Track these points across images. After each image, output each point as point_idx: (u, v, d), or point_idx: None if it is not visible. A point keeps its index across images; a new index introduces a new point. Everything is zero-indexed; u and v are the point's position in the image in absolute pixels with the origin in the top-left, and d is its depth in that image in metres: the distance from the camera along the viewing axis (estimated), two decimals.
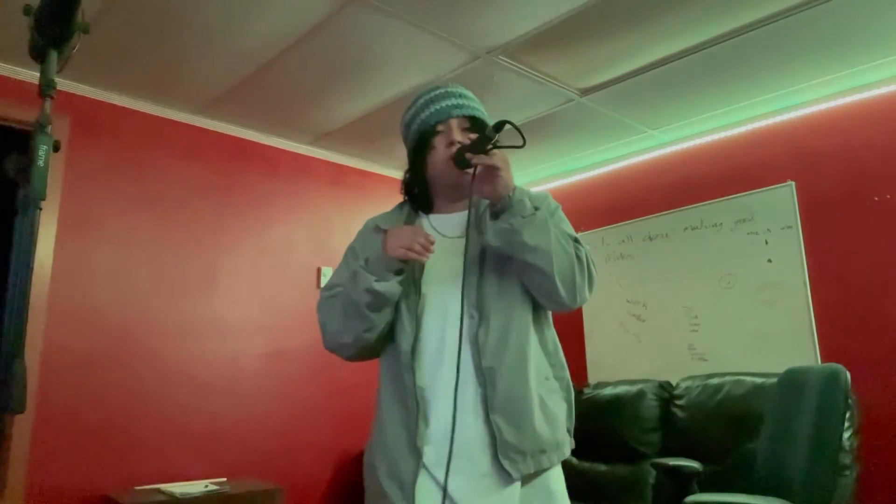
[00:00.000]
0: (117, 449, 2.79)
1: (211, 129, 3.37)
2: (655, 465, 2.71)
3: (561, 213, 1.46)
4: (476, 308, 1.30)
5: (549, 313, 1.42)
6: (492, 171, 1.27)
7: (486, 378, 1.25)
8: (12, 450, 2.51)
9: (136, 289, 2.98)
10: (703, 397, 3.00)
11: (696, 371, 3.24)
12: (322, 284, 3.61)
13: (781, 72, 2.87)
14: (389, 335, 1.35)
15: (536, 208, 1.30)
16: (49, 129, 0.91)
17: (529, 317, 1.34)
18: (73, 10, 0.92)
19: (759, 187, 3.24)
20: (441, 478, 1.20)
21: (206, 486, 2.77)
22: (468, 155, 1.27)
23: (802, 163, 3.11)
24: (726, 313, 3.28)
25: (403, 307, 1.32)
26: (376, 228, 1.43)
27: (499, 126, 1.26)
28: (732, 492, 2.15)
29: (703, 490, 2.37)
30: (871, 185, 2.88)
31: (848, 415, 2.29)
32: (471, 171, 1.29)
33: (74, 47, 0.96)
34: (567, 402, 1.39)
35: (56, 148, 0.91)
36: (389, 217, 1.48)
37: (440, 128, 1.39)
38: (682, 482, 2.45)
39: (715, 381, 3.02)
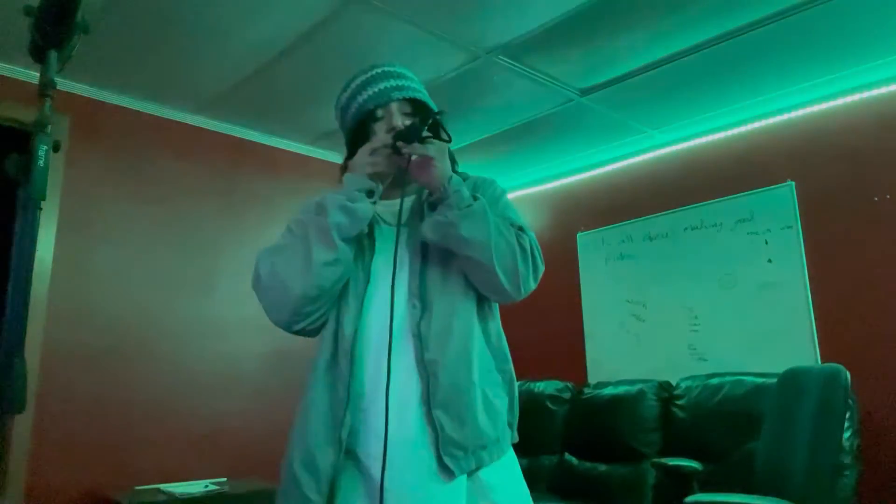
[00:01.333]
0: (117, 449, 2.79)
1: (211, 129, 3.37)
2: (655, 465, 2.72)
3: (506, 200, 1.38)
4: (419, 298, 1.24)
5: (495, 304, 1.36)
6: (426, 162, 1.21)
7: (428, 371, 1.19)
8: (12, 450, 2.51)
9: (136, 288, 2.98)
10: (703, 397, 3.00)
11: (696, 371, 3.23)
12: None
13: (781, 72, 2.87)
14: (329, 311, 1.27)
15: (475, 198, 1.23)
16: (49, 129, 0.91)
17: (473, 308, 1.28)
18: (73, 10, 0.92)
19: (759, 187, 3.24)
20: (377, 474, 1.12)
21: (206, 486, 2.77)
22: (399, 144, 1.21)
23: (802, 163, 3.11)
24: (726, 313, 3.27)
25: (350, 289, 1.26)
26: (318, 203, 1.34)
27: (428, 119, 1.23)
28: (732, 492, 2.15)
29: (703, 490, 2.37)
30: (871, 185, 2.88)
31: (848, 415, 2.29)
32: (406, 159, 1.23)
33: (74, 47, 0.96)
34: (509, 395, 1.30)
35: (56, 148, 0.91)
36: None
37: (380, 112, 1.32)
38: (682, 482, 2.45)
39: (715, 381, 3.02)
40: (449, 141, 1.25)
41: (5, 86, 2.72)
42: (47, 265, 2.73)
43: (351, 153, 1.38)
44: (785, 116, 3.21)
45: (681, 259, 3.51)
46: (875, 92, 2.93)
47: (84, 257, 2.85)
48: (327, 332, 1.26)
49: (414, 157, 1.21)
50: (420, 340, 1.21)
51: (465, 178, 1.39)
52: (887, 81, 2.89)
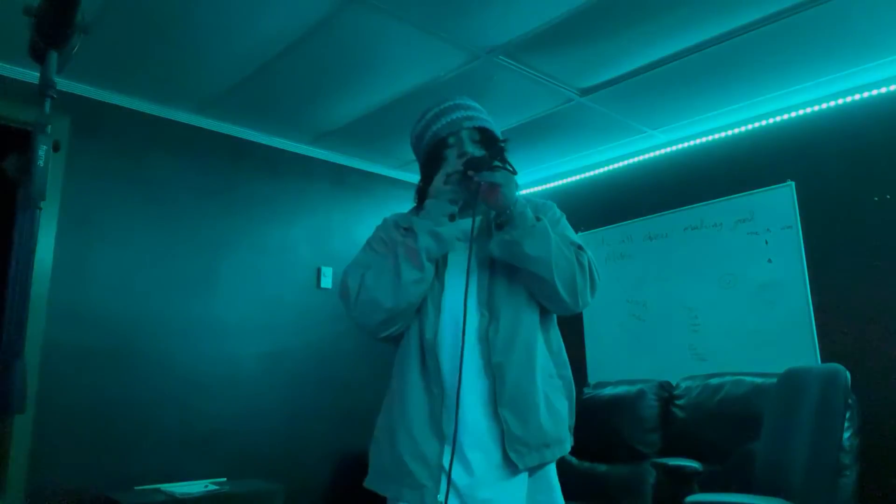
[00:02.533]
0: (117, 449, 2.79)
1: (211, 129, 3.37)
2: (655, 465, 2.72)
3: (565, 222, 1.54)
4: (487, 307, 1.37)
5: (554, 315, 1.49)
6: (495, 188, 1.34)
7: (495, 373, 1.32)
8: (12, 450, 2.51)
9: (136, 288, 2.98)
10: (703, 397, 3.00)
11: (696, 371, 3.23)
12: (322, 284, 3.61)
13: (781, 72, 2.87)
14: (412, 320, 1.40)
15: (538, 219, 1.37)
16: (49, 129, 0.91)
17: (536, 317, 1.41)
18: (73, 10, 0.92)
19: (759, 187, 3.24)
20: (446, 465, 1.27)
21: (206, 486, 2.77)
22: (470, 173, 1.35)
23: (802, 163, 3.11)
24: (726, 313, 3.27)
25: (428, 297, 1.39)
26: (396, 224, 1.50)
27: (496, 149, 1.40)
28: (732, 492, 2.15)
29: (703, 490, 2.37)
30: (871, 185, 2.88)
31: (848, 415, 2.29)
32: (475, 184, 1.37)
33: (74, 47, 0.96)
34: (569, 399, 1.45)
35: (56, 148, 0.91)
36: (408, 217, 1.52)
37: (451, 140, 1.45)
38: (682, 482, 2.45)
39: (715, 381, 3.02)
40: (514, 173, 1.38)
41: (5, 86, 2.72)
42: (47, 265, 2.73)
43: (425, 177, 1.51)
44: (785, 116, 3.21)
45: (681, 259, 3.51)
46: (875, 92, 2.92)
47: (84, 257, 2.85)
48: (413, 337, 1.40)
49: (483, 186, 1.34)
50: (488, 345, 1.34)
51: (527, 201, 1.50)
52: (887, 81, 2.89)
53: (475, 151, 1.43)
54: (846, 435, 2.44)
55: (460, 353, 1.30)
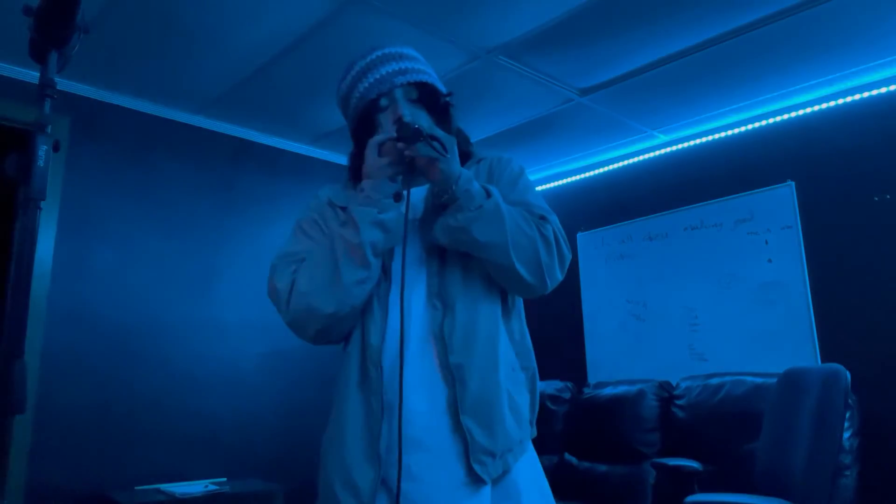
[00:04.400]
0: (117, 449, 2.79)
1: (211, 128, 3.37)
2: (655, 465, 2.72)
3: (525, 181, 1.29)
4: (439, 298, 1.17)
5: (519, 300, 1.29)
6: (431, 162, 1.11)
7: (454, 375, 1.12)
8: (12, 450, 2.51)
9: (136, 289, 2.98)
10: (703, 397, 3.00)
11: (696, 371, 3.24)
12: None
13: (781, 72, 2.87)
14: (356, 322, 1.20)
15: (488, 192, 1.15)
16: (49, 129, 0.91)
17: (498, 305, 1.22)
18: (73, 10, 0.92)
19: (759, 187, 3.24)
20: (393, 488, 1.09)
21: (206, 486, 2.77)
22: (400, 146, 1.12)
23: (802, 163, 3.11)
24: (726, 313, 3.27)
25: (373, 294, 1.18)
26: (331, 203, 1.28)
27: (418, 133, 1.10)
28: (732, 492, 2.15)
29: (703, 490, 2.37)
30: (871, 185, 2.88)
31: (848, 415, 2.30)
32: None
33: (74, 47, 0.96)
34: (531, 393, 1.25)
35: (56, 148, 0.91)
36: (344, 194, 1.30)
37: (383, 101, 1.20)
38: (682, 482, 2.45)
39: (715, 381, 3.02)
40: (444, 145, 1.12)
41: (5, 86, 2.72)
42: (47, 265, 2.73)
43: (357, 148, 1.27)
44: (785, 116, 3.21)
45: (681, 259, 3.51)
46: (875, 92, 2.92)
47: (84, 257, 2.85)
48: (353, 344, 1.20)
49: (419, 160, 1.12)
50: (443, 343, 1.14)
51: (479, 159, 1.32)
52: (887, 81, 2.89)
53: (413, 114, 1.18)
54: (846, 435, 2.44)
55: (399, 356, 1.10)
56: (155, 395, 2.93)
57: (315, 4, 2.33)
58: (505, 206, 1.14)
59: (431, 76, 1.25)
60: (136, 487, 2.76)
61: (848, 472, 2.45)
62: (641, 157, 3.79)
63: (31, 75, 2.71)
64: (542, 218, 1.18)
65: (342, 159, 3.88)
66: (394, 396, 1.12)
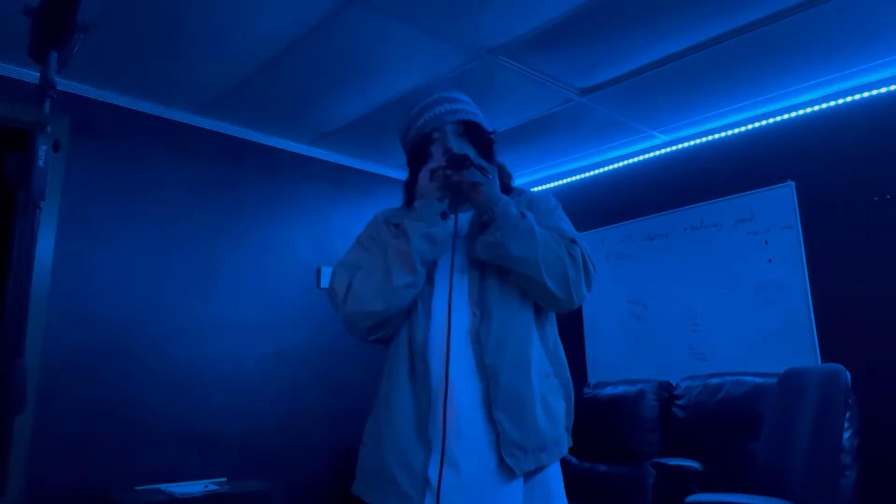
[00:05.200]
0: (117, 449, 2.79)
1: (211, 129, 3.37)
2: (655, 465, 2.72)
3: (560, 213, 1.48)
4: (478, 306, 1.33)
5: (551, 313, 1.44)
6: (475, 186, 1.31)
7: (488, 374, 1.27)
8: (12, 450, 2.51)
9: (135, 289, 2.98)
10: (703, 397, 3.00)
11: (696, 371, 3.24)
12: (322, 284, 3.61)
13: (781, 72, 2.87)
14: (403, 322, 1.37)
15: (524, 214, 1.32)
16: (49, 129, 0.91)
17: (531, 315, 1.37)
18: (73, 10, 0.92)
19: (759, 187, 3.24)
20: (435, 475, 1.23)
21: (206, 486, 2.77)
22: (448, 172, 1.31)
23: (802, 163, 3.11)
24: (726, 313, 3.27)
25: (417, 298, 1.35)
26: (387, 221, 1.47)
27: (483, 146, 1.38)
28: (732, 492, 2.15)
29: (703, 490, 2.37)
30: (871, 185, 2.88)
31: (848, 415, 2.30)
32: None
33: (74, 47, 0.96)
34: (566, 400, 1.41)
35: (56, 148, 0.91)
36: (398, 214, 1.49)
37: (436, 135, 1.40)
38: (682, 482, 2.45)
39: (715, 381, 3.02)
40: (489, 170, 1.32)
41: (5, 86, 2.72)
42: (47, 265, 2.73)
43: (411, 174, 1.47)
44: (785, 116, 3.21)
45: (681, 259, 3.51)
46: (875, 92, 2.92)
47: (84, 257, 2.85)
48: (402, 340, 1.36)
49: (464, 183, 1.30)
50: (480, 345, 1.29)
51: (520, 193, 1.51)
52: (887, 81, 2.89)
53: (460, 146, 1.37)
54: (846, 435, 2.44)
55: (446, 355, 1.26)
56: (155, 395, 2.94)
57: (315, 4, 2.33)
58: (538, 228, 1.32)
59: (478, 116, 1.45)
60: (136, 487, 2.76)
61: (848, 472, 2.45)
62: (641, 157, 3.79)
63: (31, 75, 2.71)
64: (573, 241, 1.35)
65: (342, 159, 3.88)
66: (439, 389, 1.27)
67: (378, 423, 1.35)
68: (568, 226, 1.44)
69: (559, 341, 1.44)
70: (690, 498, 2.00)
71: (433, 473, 1.24)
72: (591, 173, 4.04)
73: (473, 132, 1.42)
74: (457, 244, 1.37)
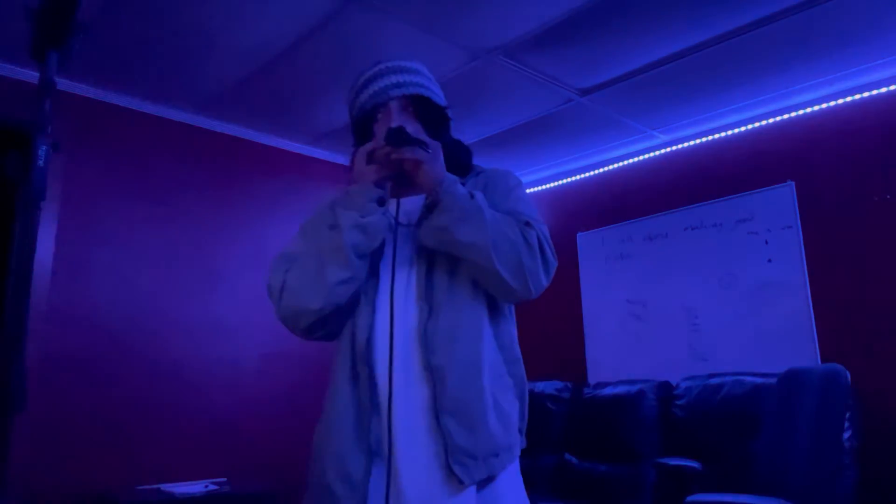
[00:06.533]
0: (117, 449, 2.79)
1: (211, 129, 3.37)
2: (655, 465, 2.72)
3: (519, 192, 1.32)
4: (425, 300, 1.20)
5: (508, 306, 1.31)
6: (416, 165, 1.17)
7: (434, 376, 1.15)
8: (12, 450, 2.50)
9: (135, 289, 2.98)
10: (703, 397, 3.00)
11: (696, 371, 3.23)
12: None
13: (781, 72, 2.87)
14: (347, 318, 1.25)
15: (473, 195, 1.19)
16: (49, 129, 0.91)
17: (483, 310, 1.24)
18: (73, 9, 0.92)
19: (759, 187, 3.24)
20: (384, 486, 1.14)
21: (206, 486, 2.77)
22: (387, 150, 1.18)
23: (802, 163, 3.11)
24: (726, 313, 3.27)
25: (361, 293, 1.23)
26: (333, 206, 1.30)
27: (401, 136, 1.16)
28: (732, 492, 2.15)
29: (703, 490, 2.37)
30: (871, 185, 2.88)
31: (848, 415, 2.30)
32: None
33: (74, 47, 0.96)
34: (520, 399, 1.27)
35: (56, 148, 0.91)
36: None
37: (380, 113, 1.27)
38: (682, 482, 2.45)
39: (715, 381, 3.02)
40: (428, 146, 1.18)
41: (5, 86, 2.72)
42: (47, 265, 2.73)
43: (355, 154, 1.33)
44: (785, 116, 3.21)
45: (681, 259, 3.51)
46: (875, 92, 2.92)
47: (84, 257, 2.85)
48: (344, 340, 1.24)
49: (406, 164, 1.18)
50: (426, 344, 1.17)
51: (479, 172, 1.36)
52: (887, 81, 2.89)
53: (405, 124, 1.21)
54: (846, 435, 2.44)
55: (390, 356, 1.16)
56: (155, 395, 2.93)
57: (315, 4, 2.33)
58: (488, 210, 1.18)
59: (429, 89, 1.30)
60: (136, 487, 2.76)
61: (848, 472, 2.45)
62: (641, 157, 3.79)
63: (31, 75, 2.71)
64: (527, 224, 1.20)
65: (342, 159, 3.88)
66: (384, 392, 1.16)
67: (319, 430, 1.25)
68: (527, 207, 1.28)
69: (515, 337, 1.31)
70: (690, 498, 2.00)
71: (374, 484, 1.14)
72: (591, 173, 4.04)
73: (424, 107, 1.29)
74: (402, 232, 1.25)
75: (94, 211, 2.91)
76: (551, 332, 3.98)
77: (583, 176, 4.09)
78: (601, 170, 3.99)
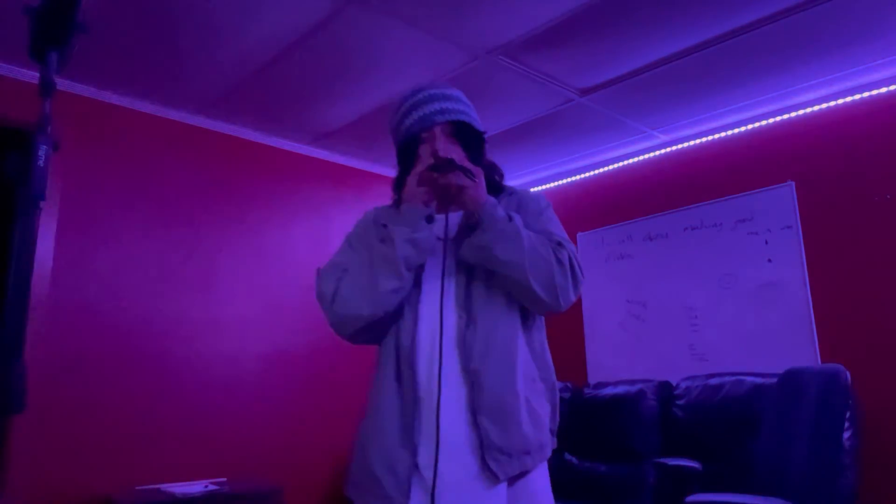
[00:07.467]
0: (117, 449, 2.79)
1: (211, 129, 3.37)
2: (655, 465, 2.72)
3: (549, 214, 1.46)
4: (465, 310, 1.33)
5: (539, 317, 1.44)
6: (460, 190, 1.30)
7: (472, 380, 1.27)
8: (12, 450, 2.51)
9: (135, 289, 2.98)
10: (703, 397, 3.00)
11: (696, 371, 3.24)
12: None
13: (781, 72, 2.87)
14: (391, 325, 1.37)
15: (511, 217, 1.31)
16: (49, 129, 0.91)
17: (517, 319, 1.36)
18: (73, 9, 0.92)
19: (759, 187, 3.24)
20: (429, 478, 1.23)
21: (206, 486, 2.77)
22: (435, 176, 1.30)
23: (802, 163, 3.11)
24: (726, 313, 3.28)
25: (405, 302, 1.35)
26: (376, 221, 1.45)
27: (449, 163, 1.29)
28: (732, 492, 2.15)
29: (703, 490, 2.37)
30: (871, 185, 2.88)
31: (848, 415, 2.30)
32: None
33: (74, 47, 0.96)
34: (551, 403, 1.38)
35: (56, 148, 0.91)
36: (387, 213, 1.48)
37: (424, 136, 1.38)
38: (682, 482, 2.45)
39: (715, 381, 3.02)
40: (473, 174, 1.30)
41: (5, 86, 2.72)
42: (47, 265, 2.73)
43: (400, 172, 1.45)
44: (785, 116, 3.21)
45: (681, 259, 3.51)
46: (875, 92, 2.93)
47: (84, 257, 2.85)
48: (389, 344, 1.36)
49: (451, 186, 1.30)
50: (465, 350, 1.29)
51: (511, 192, 1.49)
52: (887, 81, 2.89)
53: (448, 148, 1.36)
54: (846, 435, 2.43)
55: (438, 360, 1.27)
56: (155, 395, 2.94)
57: (315, 4, 2.33)
58: (524, 231, 1.30)
59: (469, 115, 1.43)
60: (136, 487, 2.76)
61: (848, 472, 2.45)
62: (641, 157, 3.79)
63: (31, 75, 2.71)
64: (559, 244, 1.33)
65: (342, 159, 3.88)
66: (424, 393, 1.28)
67: (366, 425, 1.36)
68: (557, 228, 1.42)
69: (546, 344, 1.43)
70: (690, 498, 2.00)
71: (417, 478, 1.25)
72: (591, 173, 4.04)
73: (463, 132, 1.41)
74: (441, 246, 1.37)
75: (94, 211, 2.91)
76: (551, 332, 3.96)
77: (583, 176, 4.09)
78: (601, 170, 3.99)
